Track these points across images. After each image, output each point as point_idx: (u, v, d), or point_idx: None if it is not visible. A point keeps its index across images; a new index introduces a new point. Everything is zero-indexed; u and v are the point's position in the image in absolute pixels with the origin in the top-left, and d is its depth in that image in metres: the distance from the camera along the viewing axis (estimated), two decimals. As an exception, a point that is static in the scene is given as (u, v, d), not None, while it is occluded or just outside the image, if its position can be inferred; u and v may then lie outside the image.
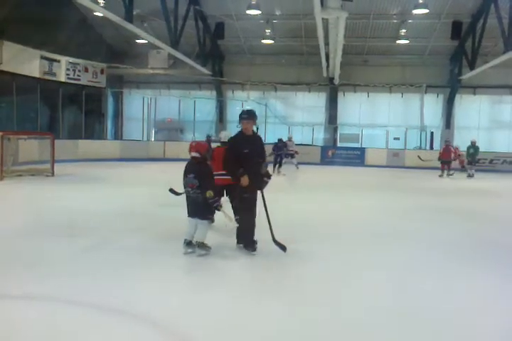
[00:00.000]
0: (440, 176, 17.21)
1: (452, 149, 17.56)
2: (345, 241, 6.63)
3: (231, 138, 5.92)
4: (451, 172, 17.51)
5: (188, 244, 5.50)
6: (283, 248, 5.50)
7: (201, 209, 5.42)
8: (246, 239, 5.66)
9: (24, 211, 8.20)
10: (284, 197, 9.81)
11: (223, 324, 3.63)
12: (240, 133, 5.70)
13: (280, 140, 17.49)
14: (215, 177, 5.82)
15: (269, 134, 23.78)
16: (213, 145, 8.67)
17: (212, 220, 6.32)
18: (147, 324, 3.61)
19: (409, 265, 5.46)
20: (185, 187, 5.54)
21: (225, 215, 5.49)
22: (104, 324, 3.62)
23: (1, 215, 7.76)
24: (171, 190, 5.90)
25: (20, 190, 11.23)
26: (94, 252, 5.64)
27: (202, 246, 5.45)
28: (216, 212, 5.71)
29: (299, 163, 18.43)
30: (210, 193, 5.25)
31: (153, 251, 5.78)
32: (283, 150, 17.05)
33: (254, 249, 5.59)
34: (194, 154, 5.51)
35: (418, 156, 19.23)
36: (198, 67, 21.01)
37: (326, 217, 8.61)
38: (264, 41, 21.46)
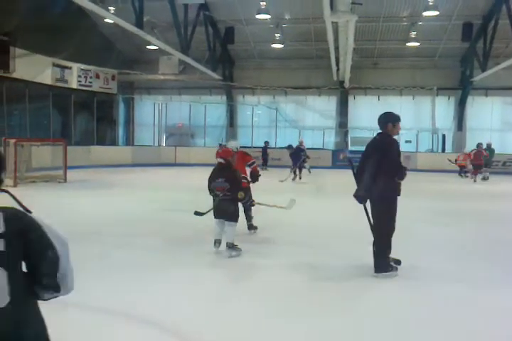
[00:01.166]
0: (475, 181, 16.60)
1: (484, 153, 17.08)
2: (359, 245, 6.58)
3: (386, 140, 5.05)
4: (486, 175, 17.05)
5: (217, 242, 5.78)
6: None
7: (229, 211, 5.69)
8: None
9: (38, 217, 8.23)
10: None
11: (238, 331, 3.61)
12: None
13: (290, 146, 17.15)
14: None
15: (280, 138, 23.79)
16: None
17: (255, 228, 6.96)
18: (161, 327, 3.60)
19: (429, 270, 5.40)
20: (212, 192, 5.81)
21: (266, 205, 6.11)
22: (118, 328, 3.61)
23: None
24: (196, 213, 6.20)
25: (34, 196, 11.24)
26: (108, 257, 5.65)
27: (232, 247, 5.68)
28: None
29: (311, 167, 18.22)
30: (241, 194, 5.64)
31: (167, 254, 5.79)
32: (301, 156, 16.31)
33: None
34: (220, 160, 5.92)
35: (448, 160, 18.65)
36: (209, 72, 21.08)
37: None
38: (274, 45, 21.48)
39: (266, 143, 21.83)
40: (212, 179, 5.79)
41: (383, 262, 4.85)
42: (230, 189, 5.62)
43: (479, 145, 17.55)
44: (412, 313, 3.98)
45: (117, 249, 6.05)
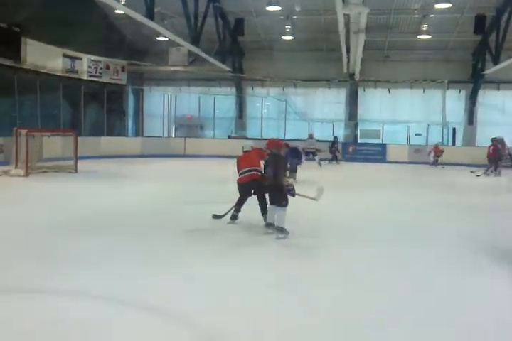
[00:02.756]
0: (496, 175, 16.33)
1: (501, 148, 16.81)
2: (370, 237, 6.61)
3: None
4: (488, 171, 16.44)
5: (267, 225, 6.41)
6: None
7: (278, 197, 6.23)
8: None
9: (51, 207, 8.33)
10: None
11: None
12: None
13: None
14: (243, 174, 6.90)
15: (289, 131, 23.75)
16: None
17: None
18: (181, 318, 3.66)
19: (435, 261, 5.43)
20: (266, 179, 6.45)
21: (306, 197, 6.38)
22: (139, 318, 3.67)
23: (29, 211, 7.90)
24: (215, 216, 7.01)
25: (46, 186, 11.42)
26: (119, 248, 5.71)
27: (281, 230, 6.17)
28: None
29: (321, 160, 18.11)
30: (287, 181, 6.21)
31: (180, 247, 5.84)
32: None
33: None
34: (267, 150, 6.72)
35: (471, 172, 16.97)
36: (218, 63, 21.05)
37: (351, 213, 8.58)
38: (284, 37, 21.40)
39: (335, 138, 21.13)
40: (264, 167, 6.72)
41: None
42: (275, 176, 6.27)
43: (494, 139, 17.04)
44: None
45: (131, 239, 6.11)
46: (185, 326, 3.56)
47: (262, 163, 6.94)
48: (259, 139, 21.19)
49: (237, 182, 7.05)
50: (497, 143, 16.85)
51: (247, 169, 6.91)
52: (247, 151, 7.37)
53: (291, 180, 6.31)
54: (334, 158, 20.07)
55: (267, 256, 5.55)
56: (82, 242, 5.86)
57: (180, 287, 4.36)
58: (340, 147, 21.07)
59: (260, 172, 6.80)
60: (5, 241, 5.94)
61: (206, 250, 5.67)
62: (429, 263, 5.41)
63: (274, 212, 6.33)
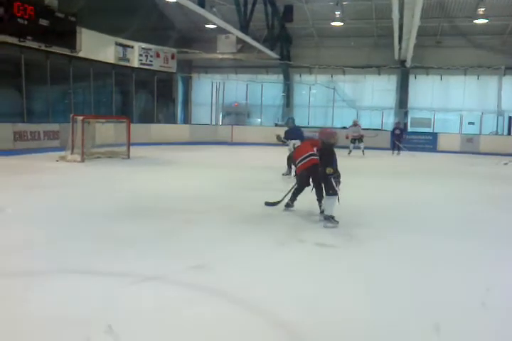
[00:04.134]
0: None
1: None
2: (415, 226, 6.52)
3: None
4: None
5: (321, 212, 6.53)
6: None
7: (325, 186, 6.27)
8: None
9: (108, 192, 8.59)
10: (355, 182, 9.71)
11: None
12: None
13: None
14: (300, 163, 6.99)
15: (337, 118, 23.50)
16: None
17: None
18: (236, 302, 3.73)
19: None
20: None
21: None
22: (198, 301, 3.77)
23: (88, 196, 8.17)
24: (267, 203, 7.17)
25: (101, 171, 11.78)
26: (176, 233, 5.85)
27: (329, 219, 6.17)
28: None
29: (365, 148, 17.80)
30: (329, 170, 6.11)
31: (238, 233, 5.93)
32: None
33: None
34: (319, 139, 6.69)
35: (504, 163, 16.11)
36: (267, 51, 20.98)
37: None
38: (334, 23, 21.02)
39: (398, 124, 20.06)
40: None
41: None
42: (322, 164, 6.36)
43: None
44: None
45: (186, 224, 6.24)
46: (257, 314, 3.63)
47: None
48: (307, 127, 21.14)
49: (296, 173, 7.25)
50: None
51: (303, 156, 6.94)
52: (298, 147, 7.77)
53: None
54: (397, 148, 18.91)
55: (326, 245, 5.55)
56: (137, 225, 6.03)
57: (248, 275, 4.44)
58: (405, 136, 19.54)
59: (317, 157, 6.74)
60: (63, 222, 6.19)
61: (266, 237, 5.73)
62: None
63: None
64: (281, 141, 10.62)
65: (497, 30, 21.18)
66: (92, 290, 3.84)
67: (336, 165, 6.26)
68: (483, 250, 5.42)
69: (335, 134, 6.64)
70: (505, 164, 15.55)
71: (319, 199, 6.77)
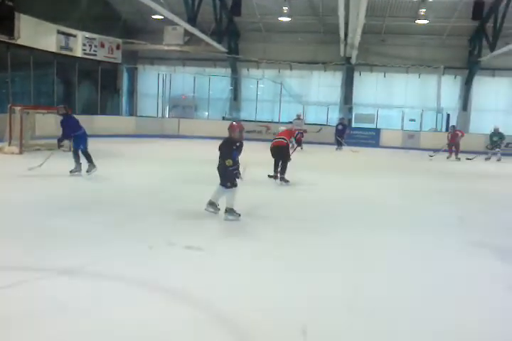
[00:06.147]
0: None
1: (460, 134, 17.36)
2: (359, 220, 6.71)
3: None
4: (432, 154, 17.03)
5: (210, 204, 6.35)
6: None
7: (224, 178, 6.24)
8: None
9: (45, 185, 8.33)
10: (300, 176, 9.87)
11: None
12: None
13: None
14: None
15: (284, 113, 23.70)
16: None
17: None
18: (180, 297, 3.74)
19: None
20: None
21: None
22: (139, 297, 3.74)
23: (24, 189, 7.90)
24: (270, 176, 9.43)
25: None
26: (116, 227, 5.76)
27: (230, 211, 6.17)
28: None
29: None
30: (229, 162, 6.11)
31: (181, 226, 5.91)
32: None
33: None
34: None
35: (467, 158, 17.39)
36: (214, 44, 20.85)
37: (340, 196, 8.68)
38: (281, 18, 21.18)
39: (343, 120, 20.85)
40: None
41: None
42: (220, 156, 6.28)
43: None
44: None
45: (128, 220, 6.15)
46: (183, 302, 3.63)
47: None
48: (254, 121, 21.24)
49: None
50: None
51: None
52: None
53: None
54: (340, 144, 19.34)
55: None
56: (80, 221, 5.90)
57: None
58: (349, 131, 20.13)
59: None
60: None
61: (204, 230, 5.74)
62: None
63: (220, 192, 6.34)
64: None
65: (437, 30, 21.98)
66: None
67: (237, 157, 6.30)
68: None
69: (237, 129, 6.42)
70: (469, 159, 16.48)
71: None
